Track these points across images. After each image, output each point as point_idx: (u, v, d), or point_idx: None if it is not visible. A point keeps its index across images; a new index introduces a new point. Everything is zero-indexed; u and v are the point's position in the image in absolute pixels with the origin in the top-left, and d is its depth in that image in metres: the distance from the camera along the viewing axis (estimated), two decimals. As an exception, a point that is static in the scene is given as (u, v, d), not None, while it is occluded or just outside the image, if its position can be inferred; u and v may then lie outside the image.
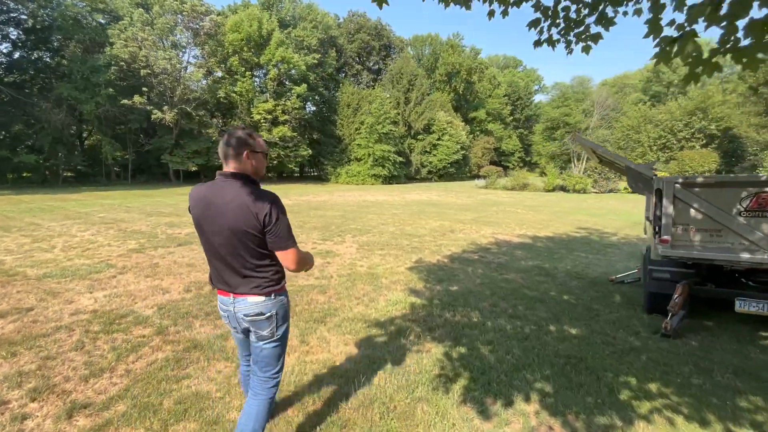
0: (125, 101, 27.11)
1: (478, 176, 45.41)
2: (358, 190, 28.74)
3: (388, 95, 42.41)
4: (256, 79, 36.58)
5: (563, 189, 29.51)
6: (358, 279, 5.81)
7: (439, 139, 44.55)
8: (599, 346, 3.47)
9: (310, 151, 37.17)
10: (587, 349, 3.40)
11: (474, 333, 3.74)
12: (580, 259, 7.81)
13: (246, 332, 1.99)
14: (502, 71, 74.39)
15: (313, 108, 43.94)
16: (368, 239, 9.46)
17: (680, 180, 3.51)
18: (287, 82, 36.39)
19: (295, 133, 34.70)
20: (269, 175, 41.30)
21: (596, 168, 28.56)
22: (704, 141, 28.49)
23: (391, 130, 37.70)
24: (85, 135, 33.76)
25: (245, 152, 1.80)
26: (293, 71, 35.47)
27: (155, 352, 3.32)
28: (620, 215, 15.90)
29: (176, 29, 30.17)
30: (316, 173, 48.58)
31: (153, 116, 28.57)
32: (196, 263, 6.75)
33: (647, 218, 5.50)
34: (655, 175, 3.56)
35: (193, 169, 32.56)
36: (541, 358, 3.25)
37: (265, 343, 1.95)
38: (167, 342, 3.52)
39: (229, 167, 1.82)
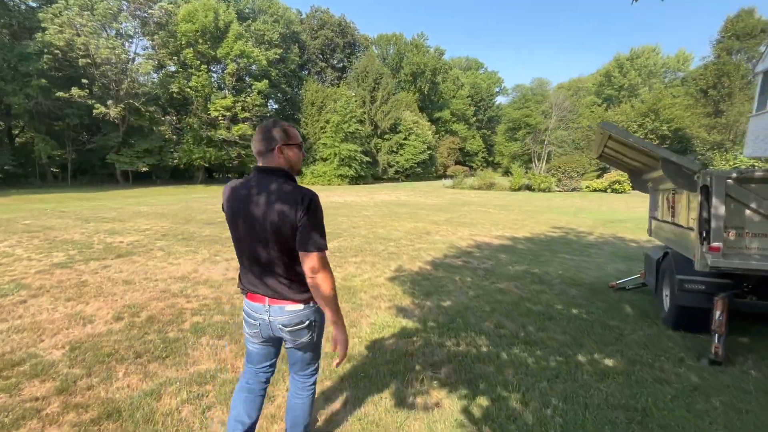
0: (61, 94, 24.37)
1: (445, 176, 45.55)
2: (324, 191, 27.66)
3: (353, 94, 41.50)
4: (214, 74, 34.45)
5: (529, 188, 29.96)
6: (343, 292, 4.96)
7: (405, 138, 44.19)
8: (652, 386, 2.80)
9: (272, 150, 35.44)
10: (642, 393, 2.69)
11: (490, 371, 2.99)
12: (566, 261, 7.38)
13: (276, 341, 1.86)
14: (464, 72, 75.49)
15: (276, 106, 42.19)
16: (340, 244, 8.59)
17: (734, 174, 2.96)
18: (247, 78, 34.53)
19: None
20: (229, 175, 39.14)
21: (560, 167, 29.23)
22: (657, 141, 29.96)
23: (357, 129, 36.82)
24: (16, 132, 30.20)
25: (278, 146, 1.69)
26: (254, 67, 33.71)
27: (46, 429, 2.30)
28: (589, 213, 16.00)
29: (120, 16, 27.57)
30: (279, 173, 46.76)
31: (95, 111, 25.92)
32: (136, 280, 5.61)
33: (652, 217, 5.07)
34: (703, 168, 2.98)
35: (144, 169, 29.98)
36: (593, 414, 2.49)
37: (302, 350, 1.83)
38: (69, 407, 2.50)
39: (264, 162, 1.72)
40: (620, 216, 15.03)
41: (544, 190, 28.67)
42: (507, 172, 50.09)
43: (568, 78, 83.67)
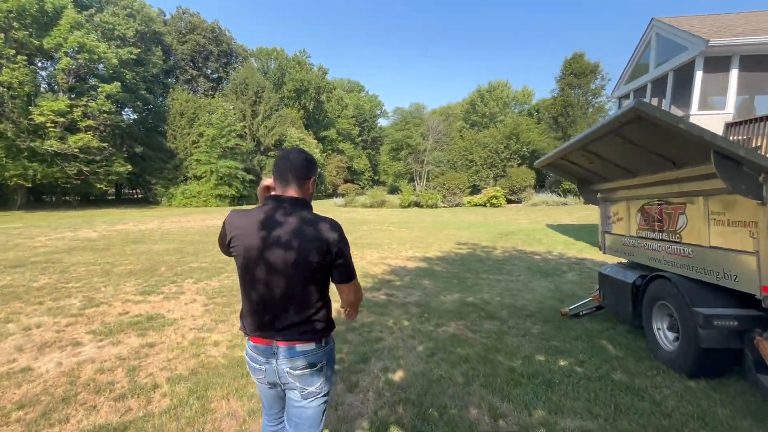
0: None
1: (335, 194, 44.53)
2: (200, 214, 23.68)
3: (231, 106, 37.70)
4: (41, 71, 27.16)
5: (417, 204, 30.83)
6: (213, 384, 3.08)
7: (292, 156, 41.87)
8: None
9: (129, 167, 29.35)
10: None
11: None
12: (493, 283, 6.74)
13: (283, 388, 1.63)
14: (348, 94, 76.92)
15: (134, 115, 35.55)
16: (222, 284, 6.48)
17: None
18: (92, 79, 28.14)
19: (105, 144, 26.78)
20: (66, 198, 31.06)
21: (444, 184, 30.86)
22: (519, 161, 34.27)
23: (237, 144, 33.26)
24: None
25: (313, 177, 1.66)
26: (100, 66, 27.65)
27: None
28: (482, 227, 16.56)
29: None
30: (141, 195, 39.48)
31: None
32: None
33: (607, 232, 4.57)
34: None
35: None
36: None
37: (311, 401, 1.58)
38: None
39: (290, 189, 1.60)
40: (509, 228, 15.84)
41: (431, 206, 29.80)
42: (393, 190, 51.74)
43: (439, 104, 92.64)
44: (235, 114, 36.10)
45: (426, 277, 7.13)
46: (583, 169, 4.07)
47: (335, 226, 1.56)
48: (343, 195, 36.93)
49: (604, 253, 4.64)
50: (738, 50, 7.17)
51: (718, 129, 7.44)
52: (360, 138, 71.10)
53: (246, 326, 1.64)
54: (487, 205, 28.18)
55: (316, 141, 49.11)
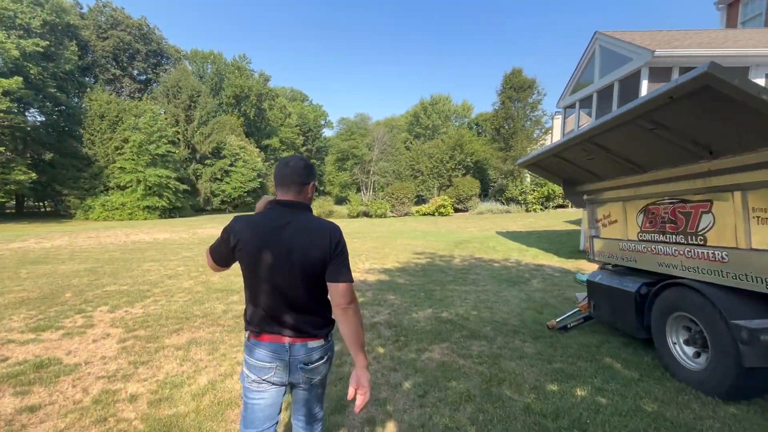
0: None
1: (279, 205, 42.59)
2: (123, 228, 20.96)
3: (162, 110, 34.59)
4: None
5: (366, 214, 30.29)
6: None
7: (231, 165, 39.34)
8: None
9: (34, 175, 25.35)
10: None
11: None
12: (463, 295, 6.28)
13: (283, 389, 1.70)
14: (291, 102, 75.04)
15: (41, 117, 31.04)
16: (147, 312, 5.30)
17: None
18: (-16, 73, 24.05)
19: (2, 149, 22.90)
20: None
21: (393, 194, 30.67)
22: (464, 171, 35.24)
23: (169, 152, 30.38)
24: None
25: (312, 182, 1.71)
26: (-4, 57, 23.78)
27: None
28: (435, 236, 16.34)
29: None
30: (50, 208, 34.52)
31: None
32: None
33: (594, 237, 4.24)
34: None
35: None
36: None
37: (317, 389, 1.75)
38: None
39: (290, 194, 1.66)
40: (462, 236, 15.78)
41: (380, 216, 29.41)
42: (340, 201, 50.78)
43: (384, 116, 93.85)
44: (166, 118, 33.12)
45: (390, 292, 6.48)
46: (576, 167, 3.73)
47: (336, 228, 1.66)
48: (288, 206, 35.29)
49: (592, 260, 4.35)
50: (679, 62, 7.57)
51: (663, 136, 7.77)
52: (304, 148, 69.46)
53: (256, 326, 1.65)
54: (436, 214, 28.39)
55: (257, 150, 46.78)
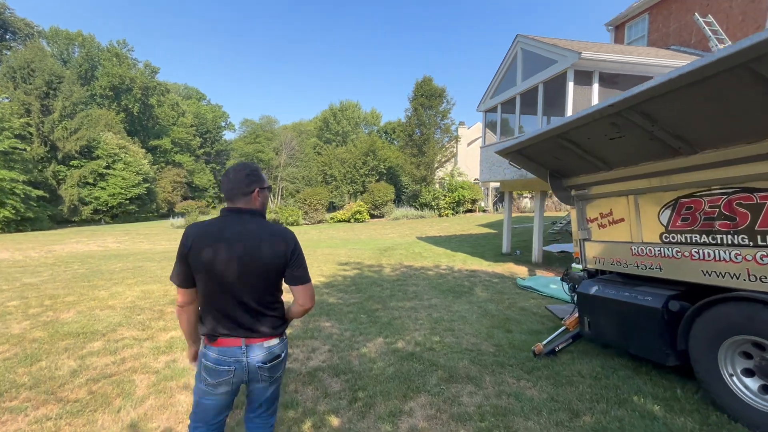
0: None
1: (173, 214, 37.26)
2: (-65, 248, 15.49)
3: (6, 97, 27.47)
4: None
5: (276, 222, 28.00)
6: None
7: (108, 167, 33.13)
8: None
9: None
10: None
11: None
12: (412, 314, 5.32)
13: (238, 388, 1.74)
14: (185, 101, 67.37)
15: None
16: None
17: None
18: None
19: None
20: None
21: (305, 200, 28.86)
22: (377, 177, 35.03)
23: (15, 148, 24.06)
24: None
25: (257, 189, 1.72)
26: None
27: None
28: (355, 243, 15.31)
29: None
30: None
31: None
32: None
33: (585, 240, 3.56)
34: None
35: None
36: None
37: (273, 385, 1.80)
38: None
39: (238, 203, 1.69)
40: (385, 243, 15.02)
41: (292, 224, 27.41)
42: (246, 208, 46.67)
43: (291, 120, 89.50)
44: (11, 107, 26.32)
45: (323, 316, 5.19)
46: (578, 153, 3.01)
47: (291, 234, 1.74)
48: (183, 214, 30.89)
49: (585, 267, 3.73)
50: (599, 66, 7.80)
51: (587, 138, 7.92)
52: (202, 150, 62.79)
53: (210, 332, 1.67)
54: (352, 220, 27.43)
55: (143, 150, 40.36)
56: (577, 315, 3.59)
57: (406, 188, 32.22)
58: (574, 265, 5.21)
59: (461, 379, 3.12)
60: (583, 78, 7.97)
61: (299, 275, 1.67)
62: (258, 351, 1.65)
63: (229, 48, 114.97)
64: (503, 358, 3.53)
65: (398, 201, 31.56)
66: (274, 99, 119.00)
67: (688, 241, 2.67)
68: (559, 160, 3.36)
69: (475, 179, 32.67)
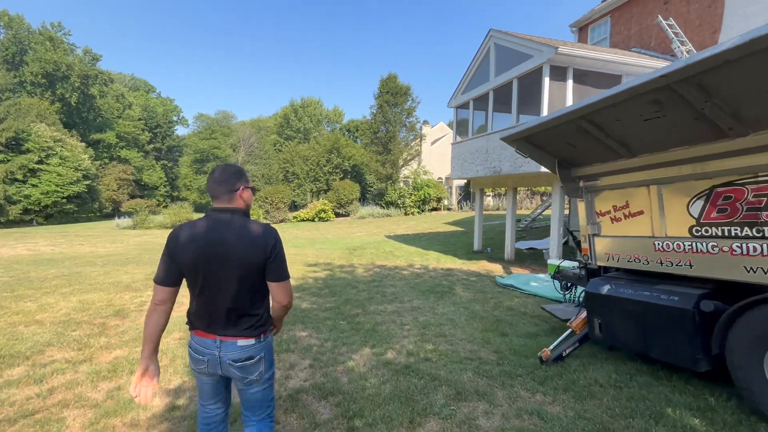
0: None
1: (118, 213, 34.38)
2: None
3: None
4: None
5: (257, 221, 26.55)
6: None
7: (41, 161, 29.89)
8: None
9: None
10: None
11: None
12: (396, 318, 4.90)
13: (225, 379, 1.84)
14: (132, 92, 62.65)
15: None
16: None
17: None
18: None
19: None
20: None
21: (267, 198, 27.61)
22: (342, 175, 34.32)
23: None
24: None
25: (241, 187, 1.74)
26: None
27: None
28: (323, 243, 14.67)
29: None
30: None
31: None
32: None
33: (595, 235, 3.29)
34: None
35: None
36: None
37: (254, 387, 1.78)
38: None
39: (223, 202, 1.72)
40: (353, 242, 14.52)
41: (253, 224, 26.11)
42: (200, 208, 44.14)
43: (250, 117, 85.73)
44: None
45: (298, 324, 4.64)
46: (598, 139, 2.71)
47: (272, 230, 1.73)
48: (130, 214, 28.50)
49: (594, 264, 3.46)
50: (574, 62, 7.80)
51: (562, 134, 7.89)
52: (152, 146, 58.71)
53: (193, 322, 1.75)
54: (316, 219, 26.57)
55: (83, 145, 36.90)
56: (583, 316, 3.34)
57: (372, 186, 31.77)
58: (564, 263, 5.03)
59: (470, 395, 2.74)
60: (558, 74, 7.93)
61: (276, 272, 1.69)
62: (231, 348, 1.68)
63: (180, 39, 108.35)
64: (509, 366, 3.20)
65: (363, 199, 31.07)
66: (231, 94, 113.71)
67: (728, 234, 2.45)
68: (572, 147, 3.08)
69: (439, 177, 32.92)
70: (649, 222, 2.90)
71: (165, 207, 40.23)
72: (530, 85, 8.54)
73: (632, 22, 11.19)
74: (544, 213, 17.21)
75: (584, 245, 3.48)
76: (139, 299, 5.96)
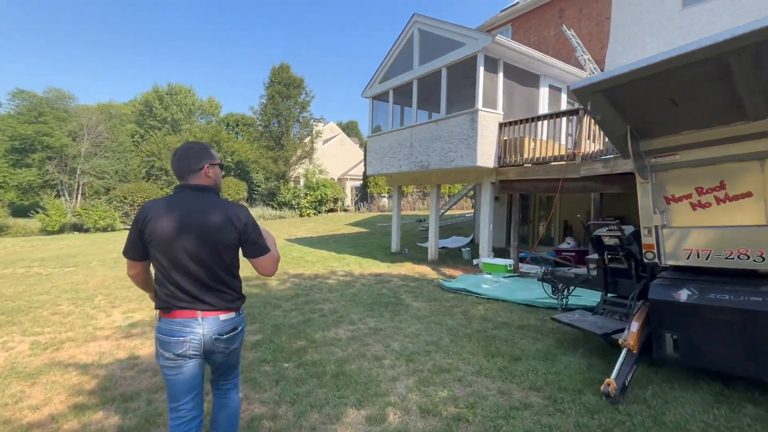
0: None
1: None
2: None
3: None
4: None
5: (79, 228, 20.92)
6: None
7: None
8: None
9: None
10: None
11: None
12: (364, 351, 3.68)
13: (201, 362, 1.73)
14: None
15: None
16: None
17: None
18: None
19: None
20: None
21: (126, 198, 22.40)
22: (223, 173, 30.41)
23: None
24: None
25: (206, 165, 1.74)
26: None
27: None
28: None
29: None
30: None
31: None
32: None
33: (663, 226, 2.57)
34: None
35: None
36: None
37: (232, 353, 1.81)
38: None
39: (190, 181, 1.72)
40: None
41: (105, 229, 20.93)
42: (21, 211, 33.79)
43: (97, 101, 69.51)
44: None
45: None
46: (702, 96, 1.99)
47: (240, 208, 1.73)
48: None
49: (661, 262, 2.74)
50: (505, 54, 7.64)
51: (494, 128, 7.64)
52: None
53: (168, 302, 1.68)
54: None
55: None
56: (636, 329, 2.67)
57: (260, 186, 28.71)
58: (498, 262, 4.46)
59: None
60: (491, 65, 7.65)
61: (255, 248, 1.70)
62: (214, 323, 1.67)
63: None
64: (576, 416, 2.29)
65: (251, 200, 27.90)
66: (69, 70, 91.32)
67: None
68: (670, 108, 2.33)
69: (332, 178, 31.72)
70: (764, 207, 2.35)
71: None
72: (460, 75, 8.12)
73: (531, 32, 11.95)
74: (446, 213, 17.63)
75: (648, 240, 2.81)
76: None
